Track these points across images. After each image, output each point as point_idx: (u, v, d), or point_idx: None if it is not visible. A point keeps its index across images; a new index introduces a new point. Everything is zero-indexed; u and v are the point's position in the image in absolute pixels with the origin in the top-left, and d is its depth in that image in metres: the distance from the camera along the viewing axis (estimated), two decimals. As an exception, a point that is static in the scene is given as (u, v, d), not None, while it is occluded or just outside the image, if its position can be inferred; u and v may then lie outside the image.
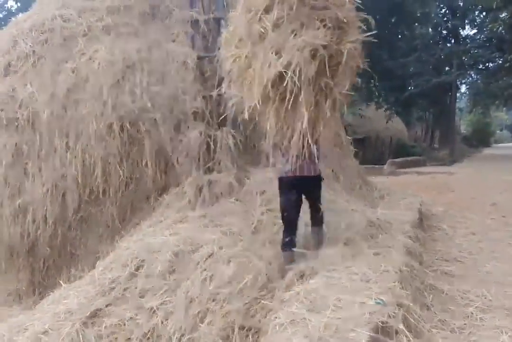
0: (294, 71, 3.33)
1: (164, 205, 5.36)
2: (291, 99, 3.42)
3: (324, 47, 3.36)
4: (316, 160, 4.04)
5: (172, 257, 4.09)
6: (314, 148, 3.85)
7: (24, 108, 5.76)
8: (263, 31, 3.50)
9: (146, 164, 5.52)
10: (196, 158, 5.51)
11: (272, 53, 3.43)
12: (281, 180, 4.11)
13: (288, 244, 3.97)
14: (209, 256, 4.07)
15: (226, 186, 5.39)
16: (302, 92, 3.40)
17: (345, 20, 3.48)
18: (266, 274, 3.81)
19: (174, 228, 4.69)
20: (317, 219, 4.18)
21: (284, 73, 3.37)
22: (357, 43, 3.57)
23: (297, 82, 3.34)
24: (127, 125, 5.52)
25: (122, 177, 5.46)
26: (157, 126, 5.57)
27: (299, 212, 4.09)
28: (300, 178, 3.98)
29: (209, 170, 5.60)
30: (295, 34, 3.41)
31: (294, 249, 3.94)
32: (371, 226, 4.60)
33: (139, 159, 5.54)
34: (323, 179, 4.26)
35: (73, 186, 5.46)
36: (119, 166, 5.46)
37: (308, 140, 3.51)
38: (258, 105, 3.52)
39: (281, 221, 4.19)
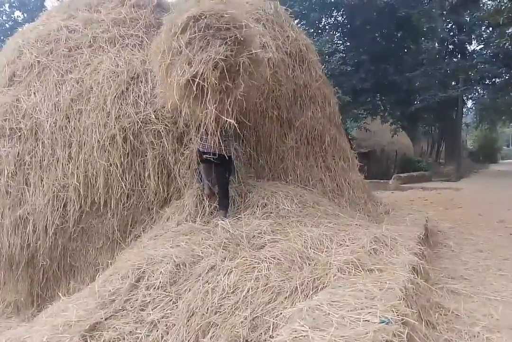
0: (201, 78, 4.41)
1: (165, 218, 5.31)
2: (200, 97, 4.54)
3: (223, 60, 4.41)
4: (222, 142, 4.96)
5: (173, 268, 4.04)
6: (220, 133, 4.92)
7: (27, 118, 5.78)
8: (179, 47, 4.54)
9: (149, 176, 5.48)
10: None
11: (185, 64, 4.50)
12: (202, 152, 5.20)
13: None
14: (211, 268, 4.02)
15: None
16: (208, 92, 4.48)
17: (242, 39, 4.56)
18: (267, 276, 3.76)
19: (175, 241, 4.64)
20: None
21: (192, 79, 4.43)
22: (254, 56, 4.68)
23: (204, 85, 4.43)
24: (130, 136, 5.51)
25: (124, 188, 5.42)
26: (160, 138, 5.55)
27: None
28: (212, 153, 5.10)
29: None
30: (202, 50, 4.47)
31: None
32: (376, 241, 4.52)
33: (141, 171, 5.50)
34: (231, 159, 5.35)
35: (74, 197, 5.43)
36: (121, 178, 5.42)
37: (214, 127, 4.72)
38: (177, 101, 4.65)
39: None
